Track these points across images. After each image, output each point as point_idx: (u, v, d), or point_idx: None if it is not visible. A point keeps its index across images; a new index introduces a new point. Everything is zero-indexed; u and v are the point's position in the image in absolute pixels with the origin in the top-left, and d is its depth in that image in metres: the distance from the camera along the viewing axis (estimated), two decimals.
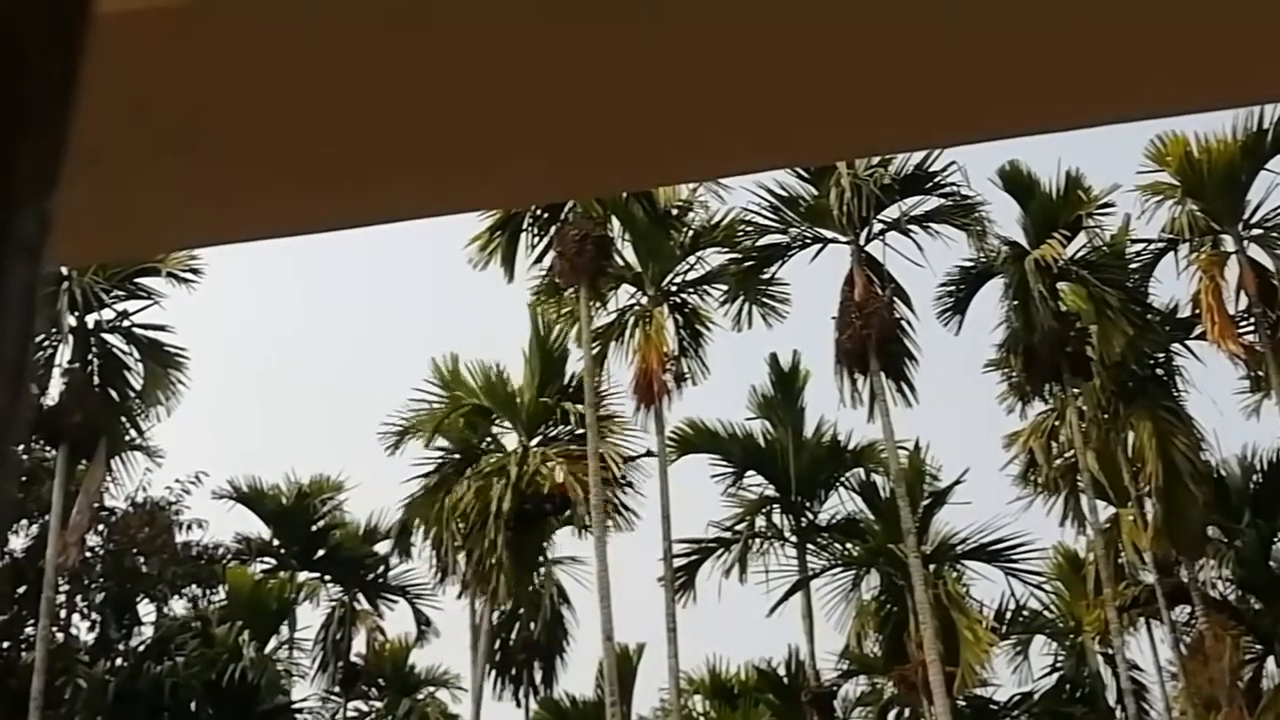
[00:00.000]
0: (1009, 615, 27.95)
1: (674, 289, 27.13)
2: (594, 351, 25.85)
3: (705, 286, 27.30)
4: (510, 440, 26.57)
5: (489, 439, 26.82)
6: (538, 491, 24.67)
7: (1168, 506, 25.39)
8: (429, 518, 26.05)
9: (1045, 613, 29.22)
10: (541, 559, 27.14)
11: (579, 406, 25.54)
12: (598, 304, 26.15)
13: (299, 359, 50.93)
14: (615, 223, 26.06)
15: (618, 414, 26.12)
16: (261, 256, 48.61)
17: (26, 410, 0.35)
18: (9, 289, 0.33)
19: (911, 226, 26.16)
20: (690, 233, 26.63)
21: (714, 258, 27.31)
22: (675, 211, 26.21)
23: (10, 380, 0.33)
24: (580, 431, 25.41)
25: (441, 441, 26.85)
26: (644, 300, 26.63)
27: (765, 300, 26.86)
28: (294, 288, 50.70)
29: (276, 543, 31.21)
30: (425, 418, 27.12)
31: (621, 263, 26.56)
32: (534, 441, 26.01)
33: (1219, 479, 27.21)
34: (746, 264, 26.64)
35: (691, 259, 27.08)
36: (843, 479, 28.75)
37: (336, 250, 60.35)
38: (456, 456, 26.29)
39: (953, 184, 26.05)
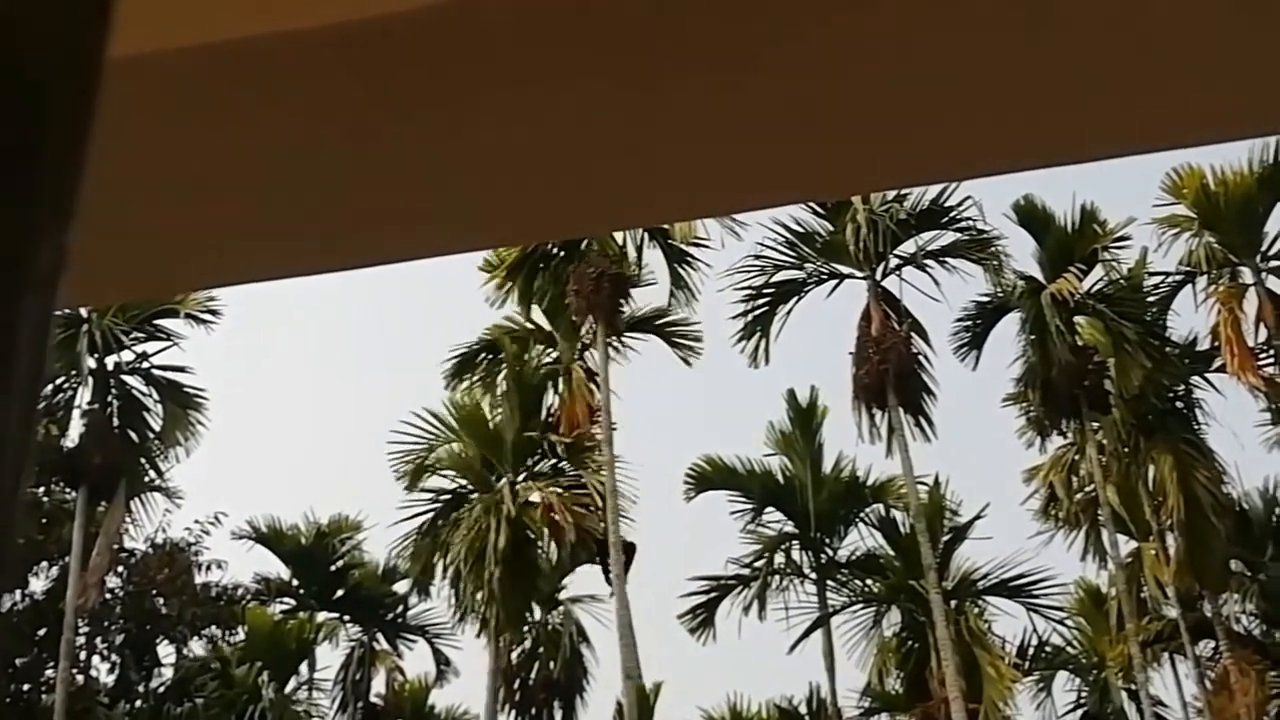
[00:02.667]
0: (1031, 651, 27.74)
1: (585, 344, 26.62)
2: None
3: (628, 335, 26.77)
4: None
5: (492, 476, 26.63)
6: (529, 528, 24.47)
7: (1190, 540, 25.21)
8: (426, 557, 25.88)
9: (1068, 648, 29.02)
10: (534, 598, 26.67)
11: (555, 436, 25.43)
12: (614, 343, 26.06)
13: (317, 398, 51.00)
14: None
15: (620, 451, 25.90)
16: (283, 297, 48.79)
17: (37, 443, 0.34)
18: (22, 322, 0.32)
19: (928, 261, 26.16)
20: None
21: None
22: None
23: (23, 413, 0.32)
24: (563, 464, 25.33)
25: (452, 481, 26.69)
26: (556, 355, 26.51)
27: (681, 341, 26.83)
28: (313, 328, 50.88)
29: (296, 583, 31.15)
30: (433, 453, 26.92)
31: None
32: (520, 477, 25.65)
33: (1241, 512, 27.04)
34: (761, 300, 26.64)
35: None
36: (862, 515, 28.63)
37: (358, 288, 60.65)
38: (447, 496, 26.10)
39: (968, 219, 26.08)
